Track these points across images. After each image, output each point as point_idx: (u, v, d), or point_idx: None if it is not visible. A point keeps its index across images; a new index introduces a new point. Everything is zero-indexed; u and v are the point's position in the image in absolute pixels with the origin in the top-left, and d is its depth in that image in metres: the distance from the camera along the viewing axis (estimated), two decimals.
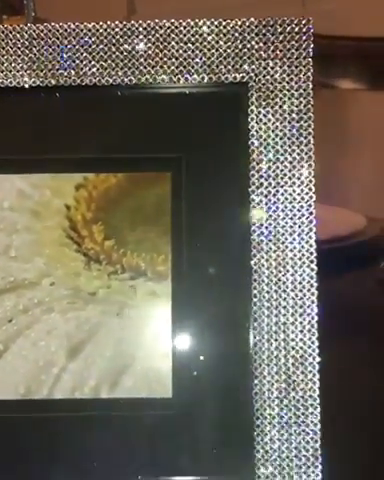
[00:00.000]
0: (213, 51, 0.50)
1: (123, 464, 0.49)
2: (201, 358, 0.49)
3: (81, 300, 0.51)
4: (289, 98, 0.50)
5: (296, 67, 0.50)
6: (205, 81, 0.50)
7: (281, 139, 0.49)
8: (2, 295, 0.51)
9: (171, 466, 0.49)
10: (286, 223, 0.49)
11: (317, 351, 0.48)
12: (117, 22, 0.50)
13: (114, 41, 0.50)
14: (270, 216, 0.49)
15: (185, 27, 0.50)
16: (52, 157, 0.51)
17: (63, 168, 0.51)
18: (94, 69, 0.50)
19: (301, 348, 0.48)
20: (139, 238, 0.51)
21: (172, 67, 0.50)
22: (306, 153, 0.49)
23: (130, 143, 0.51)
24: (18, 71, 0.50)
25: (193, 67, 0.50)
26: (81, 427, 0.50)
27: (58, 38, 0.50)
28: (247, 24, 0.50)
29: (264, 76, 0.50)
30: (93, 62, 0.50)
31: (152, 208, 0.51)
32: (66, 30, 0.50)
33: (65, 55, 0.50)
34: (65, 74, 0.50)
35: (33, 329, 0.51)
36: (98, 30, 0.50)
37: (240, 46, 0.50)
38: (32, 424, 0.50)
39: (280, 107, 0.49)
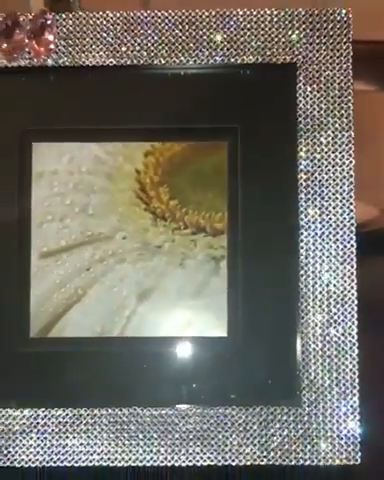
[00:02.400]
0: (266, 36, 0.57)
1: (183, 394, 0.57)
2: (252, 301, 0.57)
3: (149, 252, 0.58)
4: (331, 77, 0.57)
5: (338, 51, 0.57)
6: (259, 62, 0.57)
7: (325, 112, 0.57)
8: (81, 247, 0.58)
9: (226, 397, 0.57)
10: (329, 184, 0.57)
11: (356, 294, 0.56)
12: (184, 10, 0.57)
13: (180, 27, 0.58)
14: (315, 178, 0.57)
15: (242, 15, 0.58)
16: (125, 127, 0.58)
17: (134, 137, 0.59)
18: (163, 51, 0.58)
19: (342, 292, 0.56)
20: (199, 198, 0.59)
21: (231, 49, 0.58)
22: (347, 124, 0.57)
23: (193, 116, 0.58)
24: (98, 52, 0.58)
25: (249, 50, 0.58)
26: (148, 361, 0.57)
27: (132, 24, 0.58)
28: (296, 13, 0.58)
29: (310, 58, 0.57)
30: (162, 45, 0.58)
31: (211, 172, 0.59)
32: (139, 17, 0.58)
33: (138, 39, 0.58)
34: (138, 55, 0.58)
35: (107, 277, 0.58)
36: (166, 17, 0.58)
37: (290, 32, 0.57)
38: (107, 358, 0.57)
39: (324, 85, 0.57)
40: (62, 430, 0.56)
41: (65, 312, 0.58)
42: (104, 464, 0.55)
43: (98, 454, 0.55)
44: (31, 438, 0.55)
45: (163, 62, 0.58)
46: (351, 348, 0.56)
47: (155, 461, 0.55)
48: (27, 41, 0.57)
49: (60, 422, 0.56)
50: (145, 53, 0.58)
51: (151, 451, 0.55)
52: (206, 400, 0.56)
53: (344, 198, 0.56)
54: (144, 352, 0.57)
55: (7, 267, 0.57)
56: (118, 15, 0.58)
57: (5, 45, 0.57)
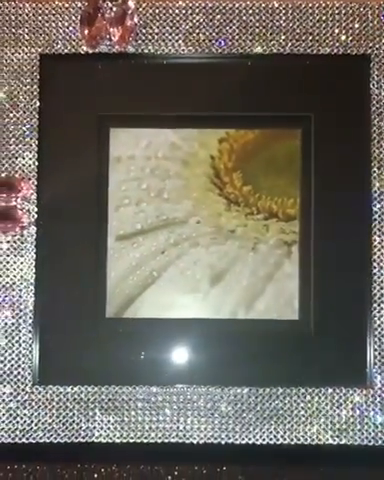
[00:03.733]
0: (341, 28, 0.59)
1: (256, 375, 0.58)
2: (324, 285, 0.58)
3: (222, 236, 0.60)
4: None
5: None
6: (334, 53, 0.59)
7: None
8: (156, 231, 0.60)
9: (299, 378, 0.58)
10: None
11: None
12: (261, 1, 0.59)
13: (258, 18, 0.59)
14: None
15: (317, 8, 0.59)
16: (200, 114, 0.60)
17: (209, 124, 0.60)
18: (240, 40, 0.59)
19: None
20: (272, 184, 0.60)
21: (306, 41, 0.59)
22: None
23: (267, 104, 0.60)
24: (176, 41, 0.59)
25: (324, 41, 0.59)
26: (220, 342, 0.58)
27: (211, 14, 0.59)
28: (370, 6, 0.59)
29: (383, 50, 0.59)
30: (240, 34, 0.59)
31: (284, 159, 0.60)
32: (217, 7, 0.59)
33: (216, 28, 0.59)
34: (215, 44, 0.59)
35: (182, 260, 0.60)
36: (245, 7, 0.59)
37: (364, 25, 0.59)
38: (180, 338, 0.58)
39: None
40: (139, 407, 0.57)
41: (140, 293, 0.59)
42: (179, 441, 0.57)
43: (174, 431, 0.57)
44: (109, 414, 0.57)
45: (240, 51, 0.59)
46: None
47: (230, 439, 0.57)
48: (109, 28, 0.58)
49: (137, 399, 0.57)
50: (223, 42, 0.59)
51: (226, 429, 0.57)
52: (279, 381, 0.58)
53: None
54: (216, 333, 0.58)
55: (85, 249, 0.59)
56: (196, 4, 0.59)
57: (87, 32, 0.58)
